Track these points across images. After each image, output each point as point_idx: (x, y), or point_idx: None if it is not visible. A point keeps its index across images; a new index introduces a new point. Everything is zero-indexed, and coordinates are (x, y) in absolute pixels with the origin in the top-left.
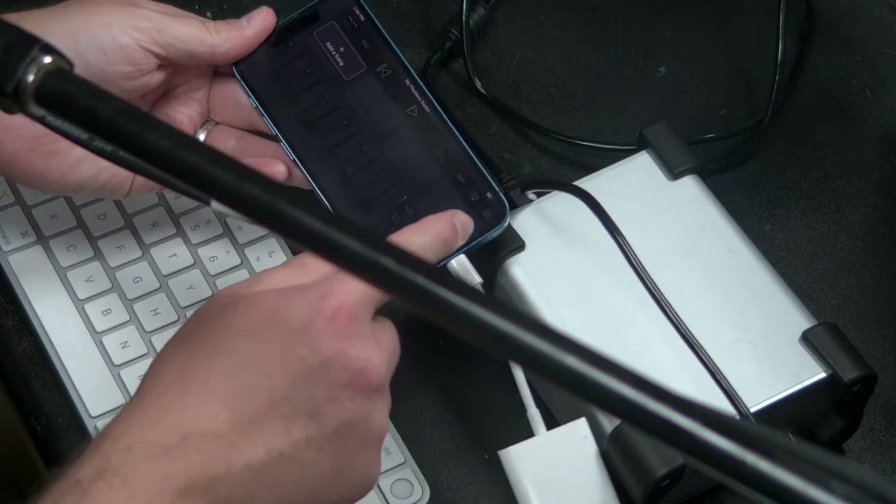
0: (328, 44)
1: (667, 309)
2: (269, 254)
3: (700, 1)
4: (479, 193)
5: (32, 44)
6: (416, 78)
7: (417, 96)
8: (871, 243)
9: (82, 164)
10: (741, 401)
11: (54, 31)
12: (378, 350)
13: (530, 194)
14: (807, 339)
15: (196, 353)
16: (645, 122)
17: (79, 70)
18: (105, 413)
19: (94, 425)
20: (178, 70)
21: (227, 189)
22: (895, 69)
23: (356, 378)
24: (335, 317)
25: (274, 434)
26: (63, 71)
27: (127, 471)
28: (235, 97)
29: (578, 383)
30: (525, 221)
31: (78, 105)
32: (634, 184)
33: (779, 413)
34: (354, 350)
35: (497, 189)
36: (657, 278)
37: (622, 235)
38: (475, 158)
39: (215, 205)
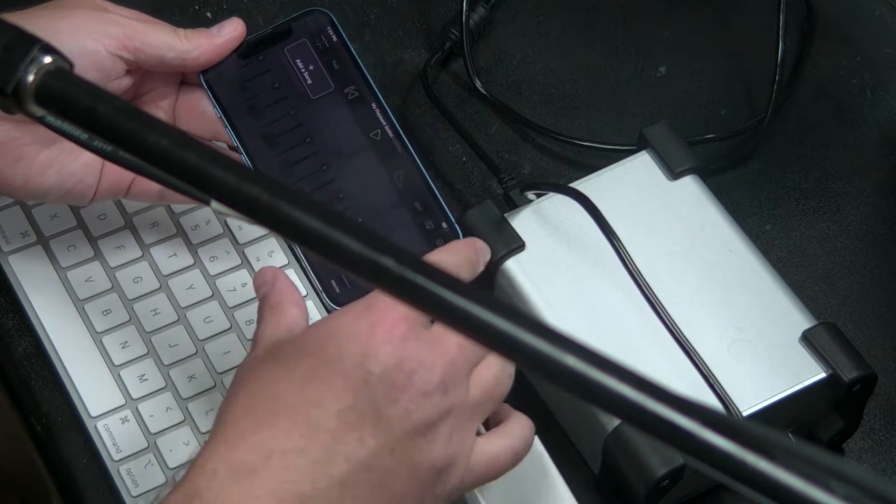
0: (298, 61)
1: (661, 313)
2: (269, 254)
3: (700, 1)
4: (434, 222)
5: (32, 44)
6: (383, 102)
7: (382, 121)
8: (871, 243)
9: (47, 171)
10: (734, 405)
11: None
12: (430, 350)
13: (530, 195)
14: (807, 339)
15: (259, 382)
16: (645, 122)
17: None
18: (105, 413)
19: (94, 425)
20: (146, 77)
21: (227, 189)
22: (895, 69)
23: (411, 379)
24: (380, 322)
25: (349, 443)
26: (63, 71)
27: (215, 495)
28: (202, 107)
29: (578, 383)
30: (525, 222)
31: (78, 105)
32: (634, 184)
33: (779, 413)
34: (407, 352)
35: (452, 220)
36: (656, 278)
37: (617, 237)
38: (433, 187)
39: (215, 205)
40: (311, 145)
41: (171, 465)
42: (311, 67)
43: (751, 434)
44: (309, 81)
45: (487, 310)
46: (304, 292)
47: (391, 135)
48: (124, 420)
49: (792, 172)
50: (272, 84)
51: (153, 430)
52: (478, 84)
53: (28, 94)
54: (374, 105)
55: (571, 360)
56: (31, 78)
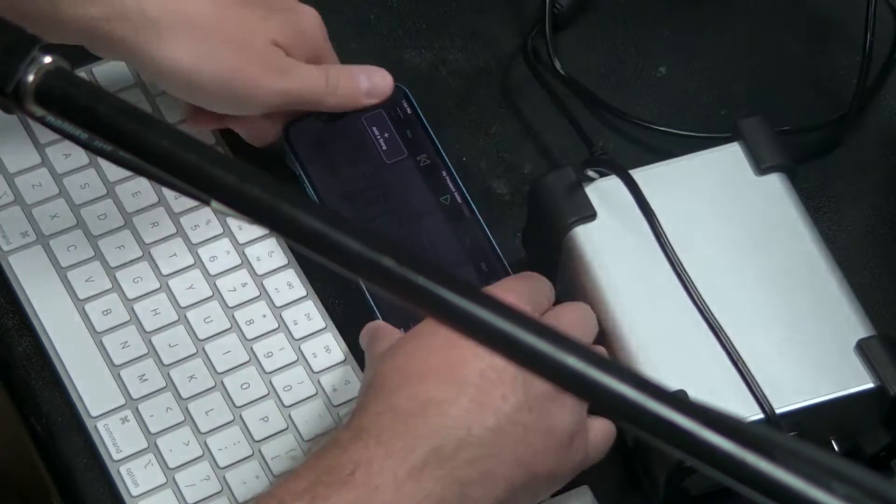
0: (374, 128)
1: (698, 301)
2: (269, 254)
3: (700, 1)
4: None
5: (32, 44)
6: (453, 170)
7: (451, 187)
8: (871, 243)
9: None
10: (765, 397)
11: None
12: (557, 321)
13: (591, 172)
14: (861, 348)
15: (398, 358)
16: (645, 122)
17: None
18: (105, 413)
19: (94, 425)
20: None
21: (227, 189)
22: (895, 69)
23: None
24: (507, 294)
25: (494, 398)
26: (63, 71)
27: (380, 431)
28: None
29: (578, 383)
30: (602, 193)
31: (78, 105)
32: (719, 173)
33: (820, 417)
34: None
35: None
36: (718, 268)
37: (659, 223)
38: (498, 250)
39: (215, 205)
40: (384, 205)
41: (171, 465)
42: (387, 135)
43: (751, 434)
44: (384, 147)
45: (488, 310)
46: (304, 293)
47: (460, 200)
48: (124, 420)
49: None
50: (349, 147)
51: (153, 430)
52: (557, 65)
53: (28, 93)
54: (444, 173)
55: (571, 360)
56: (31, 78)
